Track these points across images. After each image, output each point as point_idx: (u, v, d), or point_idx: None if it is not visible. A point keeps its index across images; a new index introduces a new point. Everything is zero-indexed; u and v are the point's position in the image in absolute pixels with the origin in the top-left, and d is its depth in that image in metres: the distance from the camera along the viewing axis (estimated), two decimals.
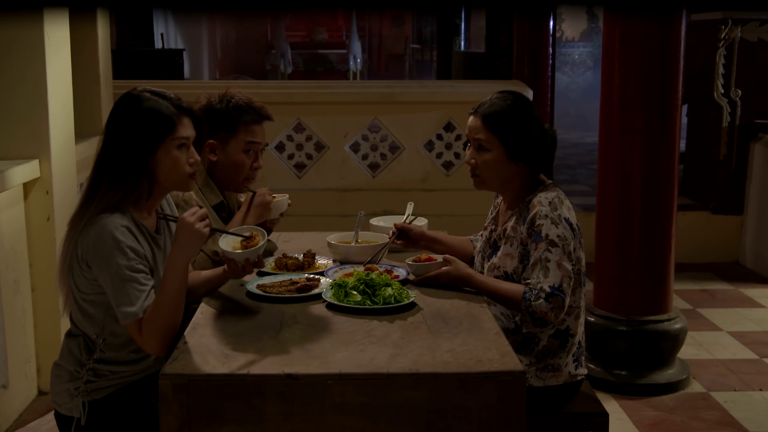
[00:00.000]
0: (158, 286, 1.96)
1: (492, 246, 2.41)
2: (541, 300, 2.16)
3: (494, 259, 2.36)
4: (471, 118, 2.35)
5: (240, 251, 2.09)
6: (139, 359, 2.06)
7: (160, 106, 2.01)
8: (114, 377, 2.04)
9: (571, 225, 2.25)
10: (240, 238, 2.14)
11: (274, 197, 2.65)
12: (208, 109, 2.58)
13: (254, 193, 2.58)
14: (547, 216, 2.22)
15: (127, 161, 1.98)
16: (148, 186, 2.01)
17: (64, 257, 2.00)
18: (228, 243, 2.13)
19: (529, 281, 2.21)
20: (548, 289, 2.16)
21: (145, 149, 1.99)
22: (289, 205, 2.69)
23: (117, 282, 1.91)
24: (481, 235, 2.57)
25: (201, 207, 2.47)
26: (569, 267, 2.20)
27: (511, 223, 2.33)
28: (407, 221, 2.86)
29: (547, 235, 2.20)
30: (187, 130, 2.04)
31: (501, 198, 2.49)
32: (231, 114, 2.56)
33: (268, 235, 2.52)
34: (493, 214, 2.52)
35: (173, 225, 2.12)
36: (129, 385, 2.06)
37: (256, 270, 2.44)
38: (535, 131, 2.31)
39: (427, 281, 2.31)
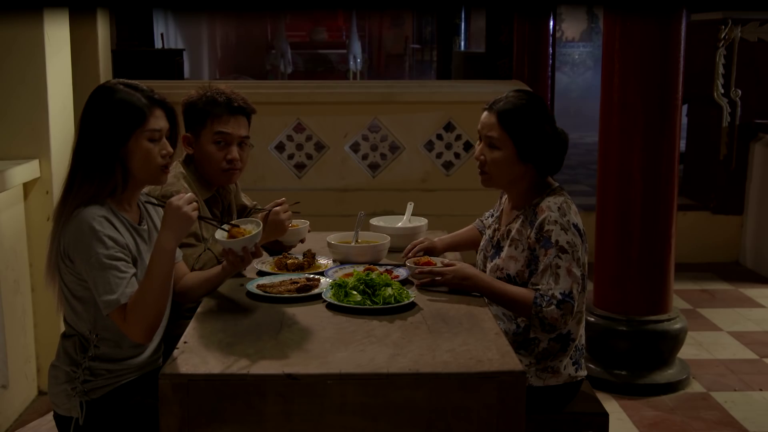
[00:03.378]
0: (144, 274, 1.96)
1: (495, 246, 2.40)
2: (553, 306, 2.16)
3: (497, 261, 2.34)
4: (485, 113, 2.31)
5: (238, 239, 2.08)
6: (136, 354, 2.06)
7: (131, 97, 2.02)
8: (111, 376, 2.04)
9: (579, 230, 2.23)
10: (228, 233, 2.14)
11: (295, 225, 2.65)
12: (185, 103, 2.57)
13: (269, 212, 2.55)
14: (556, 222, 2.20)
15: (99, 153, 1.99)
16: (122, 178, 2.01)
17: (50, 254, 2.01)
18: (224, 236, 2.13)
19: (538, 287, 2.19)
20: (559, 296, 2.16)
21: (116, 140, 1.99)
22: (308, 231, 2.69)
23: (97, 271, 1.91)
24: (483, 231, 2.55)
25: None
26: (578, 273, 2.20)
27: (516, 225, 2.31)
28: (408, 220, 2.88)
29: (557, 242, 2.19)
30: (159, 122, 2.04)
31: (506, 197, 2.47)
32: (200, 106, 2.55)
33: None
34: (497, 213, 2.51)
35: (158, 221, 2.13)
36: (126, 384, 2.06)
37: (256, 271, 2.45)
38: (548, 133, 2.29)
39: (431, 282, 2.28)
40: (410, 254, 2.57)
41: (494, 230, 2.46)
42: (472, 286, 2.24)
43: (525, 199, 2.34)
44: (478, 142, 2.36)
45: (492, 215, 2.60)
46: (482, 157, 2.32)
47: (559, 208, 2.24)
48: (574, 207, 2.30)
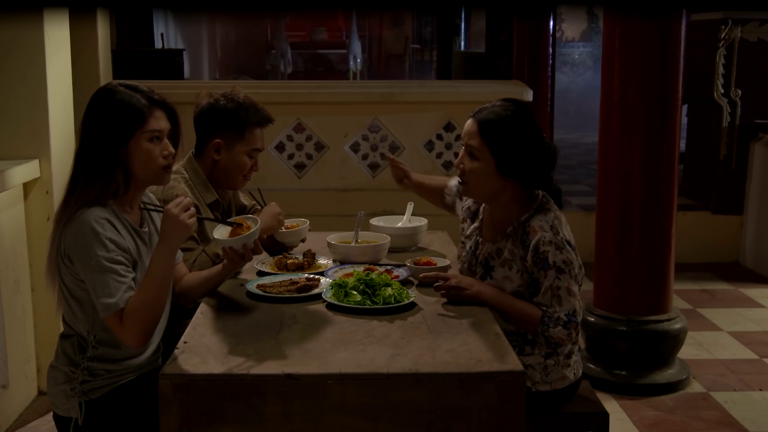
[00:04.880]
0: (142, 278, 1.97)
1: (484, 265, 2.32)
2: (560, 327, 2.16)
3: (490, 281, 2.28)
4: (469, 120, 2.26)
5: (237, 237, 2.09)
6: (135, 355, 2.07)
7: (131, 98, 2.02)
8: (109, 376, 2.04)
9: (571, 245, 2.22)
10: (231, 230, 2.15)
11: (296, 225, 2.68)
12: (214, 108, 2.58)
13: (262, 207, 2.56)
14: (551, 242, 2.18)
15: (100, 155, 1.99)
16: (123, 179, 2.01)
17: (50, 255, 2.01)
18: (222, 235, 2.14)
19: (543, 307, 2.19)
20: (565, 318, 2.16)
21: (116, 141, 1.99)
22: (309, 230, 2.71)
23: (96, 273, 1.91)
24: (463, 243, 2.48)
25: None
26: (577, 290, 2.20)
27: (507, 245, 2.26)
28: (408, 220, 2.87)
29: (554, 263, 2.17)
30: (159, 122, 2.04)
31: (485, 206, 2.40)
32: (241, 116, 2.56)
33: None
34: (477, 223, 2.42)
35: (159, 222, 2.14)
36: (125, 384, 2.06)
37: (256, 271, 2.45)
38: (531, 148, 2.22)
39: (430, 284, 2.23)
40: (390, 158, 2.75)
41: (476, 243, 2.38)
42: (475, 295, 2.18)
43: (510, 214, 2.27)
44: (461, 150, 2.30)
45: (467, 219, 2.49)
46: (462, 166, 2.27)
47: (551, 226, 2.20)
48: (564, 219, 2.27)
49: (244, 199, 2.86)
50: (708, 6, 5.50)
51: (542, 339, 2.19)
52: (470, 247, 2.40)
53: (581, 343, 3.72)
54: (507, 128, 2.21)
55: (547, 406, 2.29)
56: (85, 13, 4.21)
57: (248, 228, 2.13)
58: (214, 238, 2.16)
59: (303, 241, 2.70)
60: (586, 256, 3.91)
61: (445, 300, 2.19)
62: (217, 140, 2.57)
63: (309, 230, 2.71)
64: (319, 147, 5.25)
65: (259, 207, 2.75)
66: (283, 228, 2.64)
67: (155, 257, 1.95)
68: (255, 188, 2.78)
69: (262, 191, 2.75)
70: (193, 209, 1.98)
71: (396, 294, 2.12)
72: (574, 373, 2.32)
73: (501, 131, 2.21)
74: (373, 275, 2.20)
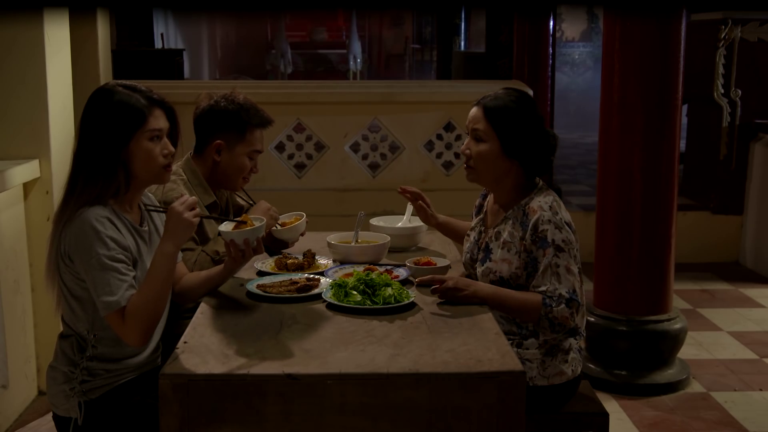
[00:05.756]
0: (144, 276, 1.97)
1: (484, 249, 2.37)
2: (563, 305, 2.16)
3: (489, 264, 2.31)
4: (474, 108, 2.34)
5: (240, 230, 2.10)
6: (134, 354, 2.07)
7: (130, 98, 2.02)
8: (109, 376, 2.04)
9: (571, 227, 2.24)
10: (234, 227, 2.16)
11: (297, 219, 2.68)
12: (215, 109, 2.58)
13: (252, 204, 2.57)
14: (550, 221, 2.20)
15: (100, 155, 1.99)
16: (124, 179, 2.02)
17: (50, 256, 2.01)
18: (228, 230, 2.15)
19: (542, 288, 2.19)
20: (567, 295, 2.17)
21: (116, 142, 2.00)
22: (306, 223, 2.70)
23: (97, 272, 1.91)
24: (468, 235, 2.54)
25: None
26: (576, 270, 2.21)
27: (507, 227, 2.29)
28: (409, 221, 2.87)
29: (553, 241, 2.19)
30: (159, 121, 2.05)
31: (489, 197, 2.46)
32: (242, 117, 2.56)
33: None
34: (481, 215, 2.48)
35: (159, 222, 2.15)
36: (124, 383, 2.06)
37: (256, 271, 2.45)
38: (534, 132, 2.29)
39: (428, 285, 2.23)
40: (405, 190, 2.69)
41: (479, 233, 2.44)
42: (473, 294, 2.18)
43: (512, 198, 2.33)
44: (466, 137, 2.37)
45: (473, 215, 2.57)
46: (468, 151, 2.33)
47: (550, 207, 2.24)
48: (563, 204, 2.31)
49: (240, 200, 2.86)
50: (708, 6, 5.50)
51: (546, 323, 2.18)
52: (474, 238, 2.45)
53: (581, 342, 3.73)
54: (511, 110, 2.29)
55: (544, 402, 2.29)
56: (85, 13, 4.22)
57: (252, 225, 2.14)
58: (220, 231, 2.17)
59: (302, 235, 2.70)
60: (586, 256, 3.93)
61: (444, 300, 2.19)
62: (218, 141, 2.57)
63: (307, 222, 2.69)
64: (319, 147, 5.25)
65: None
66: (278, 225, 2.64)
67: (158, 255, 1.95)
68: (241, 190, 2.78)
69: (259, 191, 2.75)
70: (198, 208, 1.99)
71: (396, 294, 2.12)
72: (572, 370, 2.32)
73: (505, 113, 2.28)
74: (373, 275, 2.20)
